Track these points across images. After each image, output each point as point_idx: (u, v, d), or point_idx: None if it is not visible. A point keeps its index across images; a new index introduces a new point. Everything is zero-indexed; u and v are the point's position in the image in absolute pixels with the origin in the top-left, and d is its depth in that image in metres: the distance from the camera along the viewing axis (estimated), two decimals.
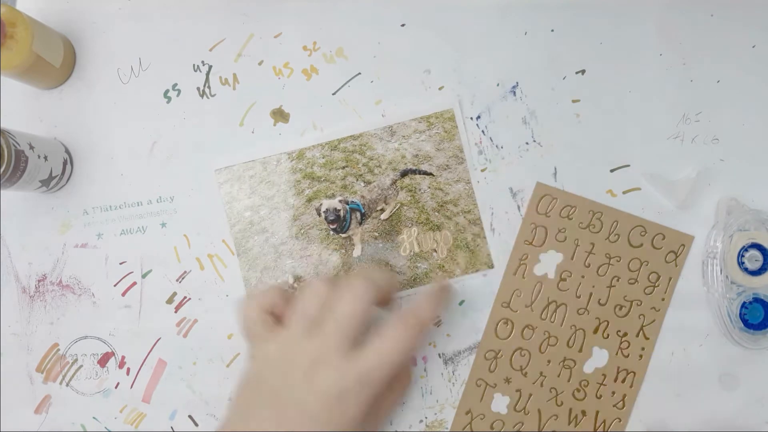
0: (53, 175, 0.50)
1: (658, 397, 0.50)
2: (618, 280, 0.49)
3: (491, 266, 0.51)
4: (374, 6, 0.53)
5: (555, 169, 0.51)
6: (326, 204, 0.51)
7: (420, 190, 0.51)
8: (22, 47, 0.47)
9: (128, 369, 0.52)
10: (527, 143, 0.52)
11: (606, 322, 0.49)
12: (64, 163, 0.51)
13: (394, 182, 0.51)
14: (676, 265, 0.49)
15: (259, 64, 0.53)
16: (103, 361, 0.52)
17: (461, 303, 0.51)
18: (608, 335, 0.49)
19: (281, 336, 0.42)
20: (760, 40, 0.51)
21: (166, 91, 0.53)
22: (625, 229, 0.49)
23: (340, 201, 0.51)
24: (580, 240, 0.49)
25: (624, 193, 0.51)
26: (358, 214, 0.51)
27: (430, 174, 0.51)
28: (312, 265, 0.51)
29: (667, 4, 0.52)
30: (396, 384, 0.45)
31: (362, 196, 0.51)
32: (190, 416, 0.51)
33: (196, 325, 0.52)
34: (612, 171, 0.51)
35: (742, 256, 0.48)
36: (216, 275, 0.52)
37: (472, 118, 0.52)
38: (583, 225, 0.49)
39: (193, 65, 0.53)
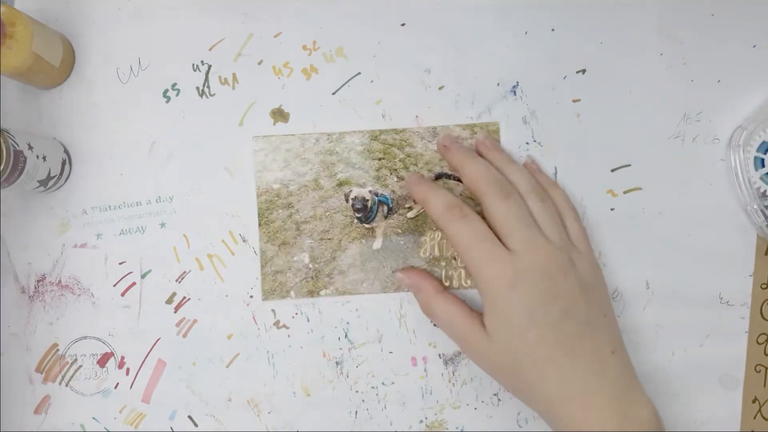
0: (51, 175, 0.50)
1: (658, 397, 0.50)
2: None
3: None
4: (374, 6, 0.53)
5: (555, 169, 0.51)
6: (356, 192, 0.51)
7: None
8: (21, 47, 0.47)
9: (128, 369, 0.51)
10: (527, 143, 0.51)
11: None
12: (63, 163, 0.51)
13: None
14: None
15: (259, 63, 0.53)
16: (103, 361, 0.52)
17: None
18: None
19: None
20: (760, 40, 0.51)
21: (166, 91, 0.53)
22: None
23: (370, 191, 0.51)
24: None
25: (625, 193, 0.51)
26: (385, 208, 0.51)
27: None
28: (330, 249, 0.51)
29: (667, 4, 0.52)
30: None
31: (393, 191, 0.51)
32: (189, 416, 0.51)
33: (196, 325, 0.51)
34: (612, 171, 0.51)
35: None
36: (216, 275, 0.52)
37: (471, 118, 0.52)
38: None
39: (193, 65, 0.53)
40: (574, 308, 0.41)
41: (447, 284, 0.50)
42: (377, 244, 0.51)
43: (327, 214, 0.51)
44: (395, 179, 0.51)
